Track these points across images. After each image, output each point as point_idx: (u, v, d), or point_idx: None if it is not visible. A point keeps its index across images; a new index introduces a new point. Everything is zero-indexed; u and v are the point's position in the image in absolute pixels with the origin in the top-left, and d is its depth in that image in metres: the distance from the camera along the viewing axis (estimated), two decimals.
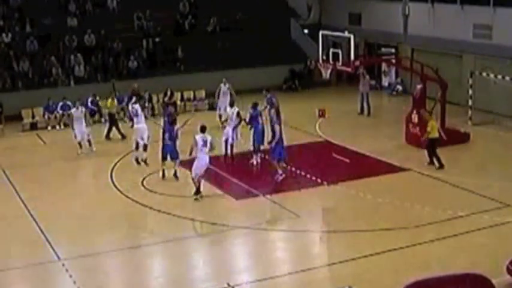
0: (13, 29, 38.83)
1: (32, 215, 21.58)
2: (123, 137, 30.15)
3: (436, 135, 24.97)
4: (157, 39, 40.56)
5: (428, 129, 24.85)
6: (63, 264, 17.95)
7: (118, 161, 26.83)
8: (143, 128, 26.32)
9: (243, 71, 38.85)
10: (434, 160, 24.83)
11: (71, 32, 39.27)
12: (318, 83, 38.58)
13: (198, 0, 43.74)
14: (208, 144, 22.14)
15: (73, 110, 28.89)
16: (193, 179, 22.48)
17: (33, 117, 34.15)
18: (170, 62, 39.80)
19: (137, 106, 26.61)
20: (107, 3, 42.11)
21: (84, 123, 28.22)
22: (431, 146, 25.01)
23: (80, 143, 28.09)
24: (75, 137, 28.13)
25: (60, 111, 33.80)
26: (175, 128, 24.45)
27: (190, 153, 22.57)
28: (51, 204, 22.80)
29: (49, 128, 33.31)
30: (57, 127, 33.48)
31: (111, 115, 31.07)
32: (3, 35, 38.01)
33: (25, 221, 21.19)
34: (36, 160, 28.22)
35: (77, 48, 38.59)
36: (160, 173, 24.65)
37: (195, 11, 43.24)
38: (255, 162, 25.83)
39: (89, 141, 28.35)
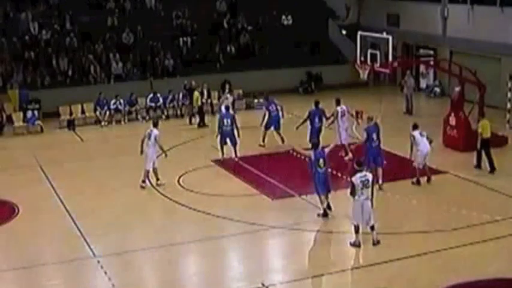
0: (52, 26, 39.19)
1: (68, 212, 21.80)
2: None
3: (489, 135, 24.61)
4: (194, 38, 40.72)
5: (480, 129, 24.62)
6: (98, 261, 18.09)
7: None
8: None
9: (278, 71, 39.18)
10: (486, 163, 24.51)
11: (109, 30, 39.59)
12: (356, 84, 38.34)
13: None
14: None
15: None
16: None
17: (70, 114, 34.41)
18: (207, 61, 39.85)
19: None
20: (145, 2, 42.34)
21: None
22: (483, 147, 24.61)
23: None
24: None
25: (113, 107, 34.22)
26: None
27: None
28: (88, 201, 22.95)
29: (103, 123, 33.60)
30: (102, 123, 33.76)
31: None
32: (43, 32, 38.39)
33: (61, 218, 21.41)
34: (73, 157, 28.46)
35: (115, 46, 38.87)
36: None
37: (233, 10, 43.31)
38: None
39: None
